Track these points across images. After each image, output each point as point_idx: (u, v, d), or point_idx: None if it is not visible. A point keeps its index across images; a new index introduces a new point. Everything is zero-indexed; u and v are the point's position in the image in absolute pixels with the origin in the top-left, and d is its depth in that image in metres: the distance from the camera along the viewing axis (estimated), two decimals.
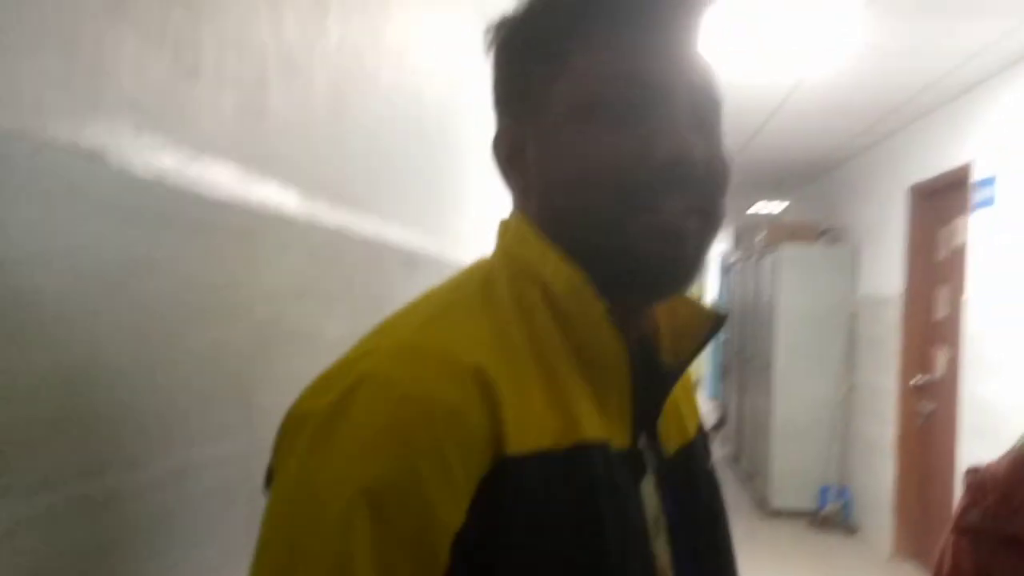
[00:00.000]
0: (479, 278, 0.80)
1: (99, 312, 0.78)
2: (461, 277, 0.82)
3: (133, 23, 0.80)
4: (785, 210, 9.80)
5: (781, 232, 7.24)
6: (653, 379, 0.84)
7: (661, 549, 0.81)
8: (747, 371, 8.23)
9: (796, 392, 6.84)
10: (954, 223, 5.11)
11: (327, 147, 1.39)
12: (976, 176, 4.61)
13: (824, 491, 6.71)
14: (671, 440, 0.88)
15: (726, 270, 11.20)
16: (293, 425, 0.69)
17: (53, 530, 0.76)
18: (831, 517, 6.55)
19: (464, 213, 2.42)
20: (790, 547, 6.04)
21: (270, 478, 0.71)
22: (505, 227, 0.84)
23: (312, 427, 0.66)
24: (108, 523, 0.85)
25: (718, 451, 9.41)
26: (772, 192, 9.08)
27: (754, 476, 7.57)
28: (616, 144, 0.74)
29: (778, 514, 6.78)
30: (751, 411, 7.86)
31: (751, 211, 10.39)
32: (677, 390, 0.90)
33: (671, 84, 0.75)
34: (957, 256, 4.97)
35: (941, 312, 5.34)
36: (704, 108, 0.77)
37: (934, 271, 5.44)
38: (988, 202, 4.45)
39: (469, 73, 2.36)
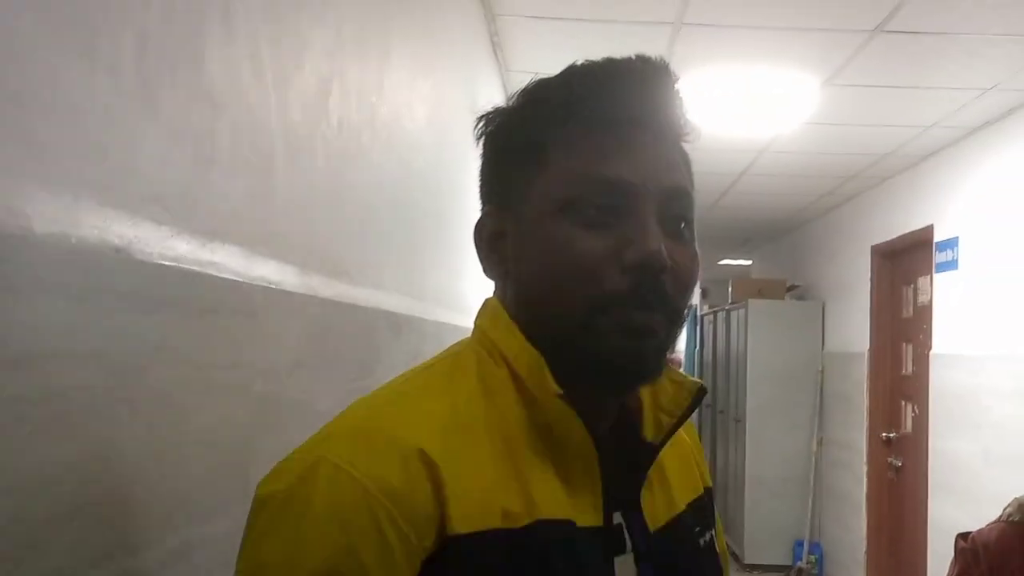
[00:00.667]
0: (450, 360, 0.84)
1: (119, 401, 0.80)
2: (434, 359, 0.86)
3: (161, 122, 0.83)
4: (751, 266, 9.93)
5: (749, 288, 7.34)
6: (635, 455, 0.86)
7: None
8: (719, 424, 8.26)
9: (768, 446, 6.89)
10: (918, 282, 5.22)
11: (324, 223, 1.41)
12: (939, 236, 4.72)
13: (798, 545, 6.72)
14: (658, 515, 0.88)
15: (695, 322, 11.28)
16: (253, 510, 0.72)
17: None
18: (805, 572, 6.55)
19: (442, 275, 2.45)
20: None
21: None
22: (484, 307, 0.88)
23: (267, 512, 0.70)
24: None
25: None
26: (738, 249, 9.22)
27: (728, 530, 7.57)
28: (588, 245, 0.77)
29: (753, 568, 6.77)
30: (723, 464, 7.87)
31: (719, 264, 10.52)
32: (669, 461, 0.92)
33: (643, 187, 0.78)
34: (923, 314, 5.07)
35: (907, 368, 5.42)
36: (675, 210, 0.81)
37: (900, 328, 5.54)
38: (951, 263, 4.56)
39: (452, 147, 2.41)
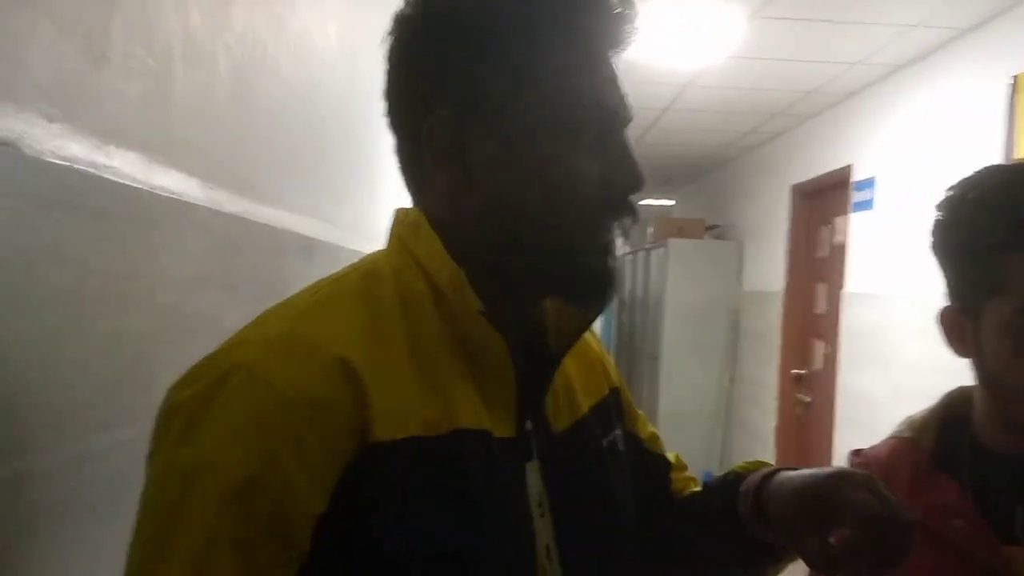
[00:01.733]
0: (363, 270, 0.83)
1: (5, 297, 0.78)
2: (345, 269, 0.85)
3: (48, 12, 0.81)
4: (673, 206, 10.04)
5: (670, 227, 7.43)
6: (540, 364, 0.88)
7: (544, 530, 0.83)
8: (635, 360, 8.42)
9: (682, 382, 7.05)
10: (835, 222, 5.35)
11: (230, 136, 1.39)
12: (856, 176, 4.82)
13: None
14: (560, 419, 0.90)
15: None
16: (166, 415, 0.71)
17: None
18: None
19: (357, 203, 2.43)
20: None
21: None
22: (403, 217, 0.86)
23: (182, 417, 0.69)
24: (15, 508, 0.85)
25: None
26: (661, 188, 9.30)
27: None
28: (585, 168, 0.79)
29: None
30: (638, 400, 7.99)
31: (641, 204, 10.61)
32: (572, 366, 0.94)
33: (626, 113, 0.83)
34: (838, 253, 5.20)
35: (821, 307, 5.58)
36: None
37: (815, 268, 5.68)
38: (867, 203, 4.67)
39: (368, 75, 2.37)
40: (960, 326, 1.11)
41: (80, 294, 0.95)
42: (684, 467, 1.13)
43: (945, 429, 1.18)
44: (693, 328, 7.03)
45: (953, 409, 1.19)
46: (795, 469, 0.91)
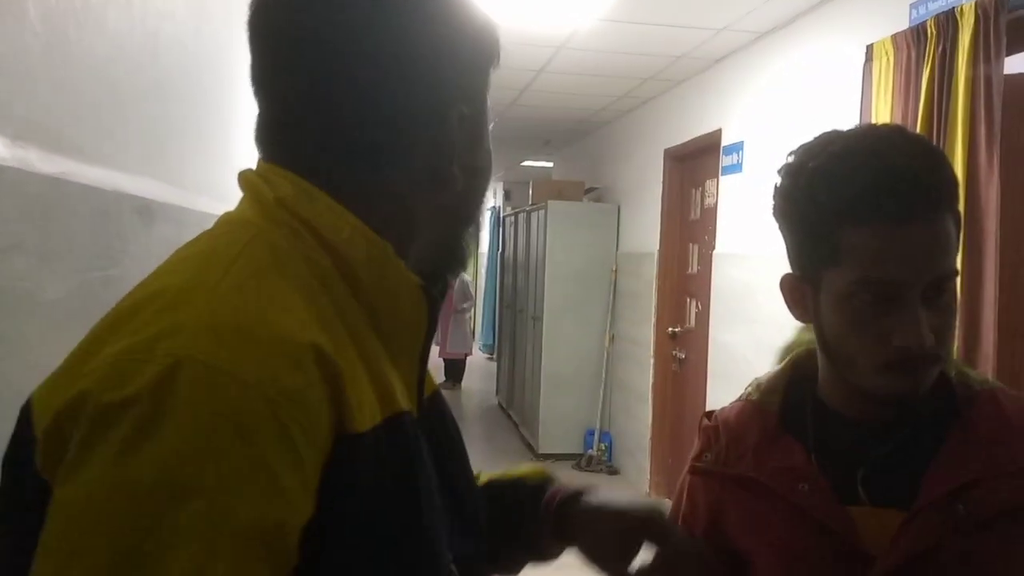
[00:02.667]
0: (254, 238, 0.72)
1: None
2: (224, 239, 0.74)
3: None
4: (552, 168, 10.08)
5: (548, 189, 7.46)
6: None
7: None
8: (518, 323, 8.46)
9: (563, 343, 7.12)
10: (706, 185, 5.46)
11: (44, 90, 1.27)
12: (726, 140, 4.92)
13: (589, 435, 7.06)
14: (428, 385, 0.89)
15: (498, 223, 11.42)
16: (96, 419, 0.59)
17: None
18: (595, 458, 6.91)
19: (207, 161, 2.30)
20: None
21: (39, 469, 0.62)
22: (274, 177, 0.76)
23: (131, 421, 0.57)
24: None
25: (491, 400, 9.67)
26: (539, 150, 9.32)
27: (524, 423, 7.84)
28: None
29: (546, 458, 7.06)
30: (521, 361, 8.10)
31: (522, 165, 10.63)
32: None
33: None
34: (708, 215, 5.31)
35: (693, 268, 5.71)
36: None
37: (688, 229, 5.79)
38: (736, 166, 4.77)
39: (212, 20, 2.23)
40: (800, 292, 1.11)
41: None
42: None
43: (791, 390, 1.18)
44: (574, 289, 7.09)
45: (800, 369, 1.20)
46: (582, 491, 1.08)
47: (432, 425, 0.86)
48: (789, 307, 1.14)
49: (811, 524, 1.07)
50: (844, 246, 1.01)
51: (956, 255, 1.04)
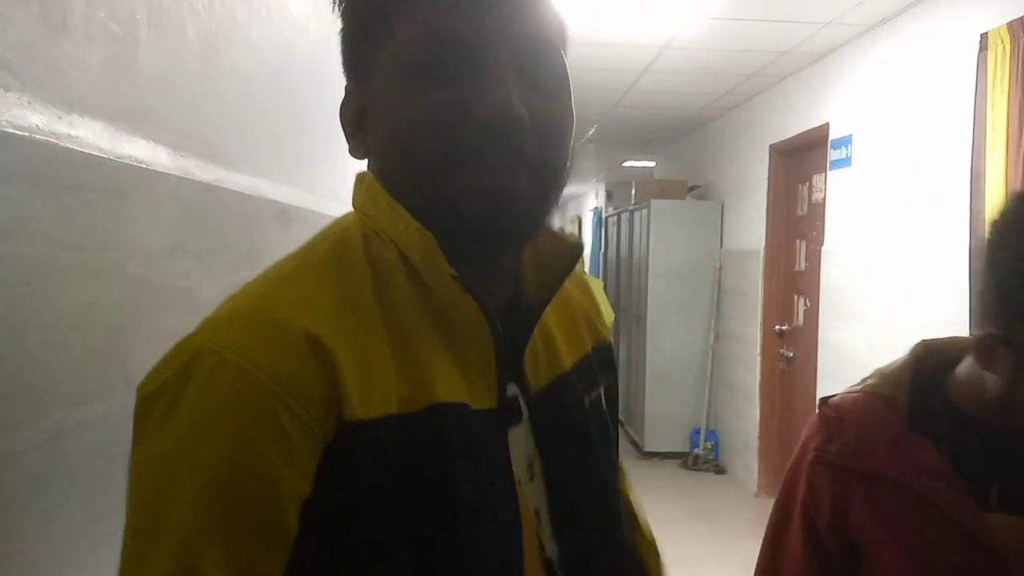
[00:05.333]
0: (333, 238, 0.79)
1: None
2: (317, 237, 0.81)
3: None
4: (655, 168, 10.02)
5: (651, 188, 7.42)
6: (520, 318, 0.84)
7: (534, 493, 0.82)
8: (622, 322, 8.45)
9: (667, 341, 7.09)
10: (813, 180, 5.36)
11: (199, 103, 1.37)
12: (834, 134, 4.83)
13: (695, 434, 7.01)
14: (540, 376, 0.87)
15: (600, 223, 11.40)
16: (143, 404, 0.69)
17: None
18: (702, 457, 6.86)
19: (337, 168, 2.40)
20: (664, 486, 6.28)
21: None
22: (359, 182, 0.83)
23: (158, 409, 0.66)
24: None
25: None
26: (641, 150, 9.28)
27: (629, 421, 7.83)
28: (438, 105, 0.73)
29: (652, 456, 7.04)
30: (625, 360, 8.09)
31: (624, 166, 10.59)
32: (554, 320, 0.91)
33: (494, 41, 0.74)
34: (816, 211, 5.21)
35: (800, 264, 5.61)
36: (534, 61, 0.77)
37: (794, 225, 5.69)
38: (845, 160, 4.68)
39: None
40: (995, 350, 1.05)
41: (48, 268, 0.93)
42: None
43: (917, 385, 1.17)
44: (677, 288, 7.05)
45: (921, 363, 1.19)
46: None
47: (542, 417, 0.85)
48: (976, 358, 1.09)
49: (948, 524, 1.06)
50: None
51: None
